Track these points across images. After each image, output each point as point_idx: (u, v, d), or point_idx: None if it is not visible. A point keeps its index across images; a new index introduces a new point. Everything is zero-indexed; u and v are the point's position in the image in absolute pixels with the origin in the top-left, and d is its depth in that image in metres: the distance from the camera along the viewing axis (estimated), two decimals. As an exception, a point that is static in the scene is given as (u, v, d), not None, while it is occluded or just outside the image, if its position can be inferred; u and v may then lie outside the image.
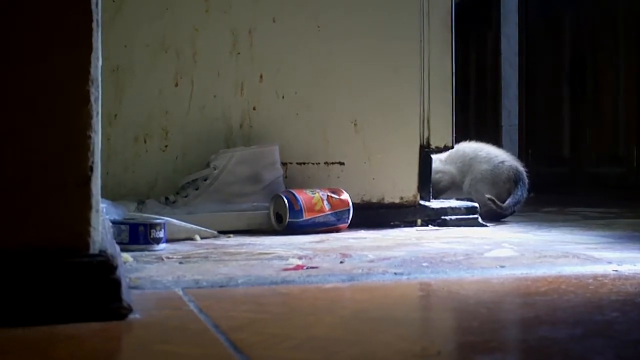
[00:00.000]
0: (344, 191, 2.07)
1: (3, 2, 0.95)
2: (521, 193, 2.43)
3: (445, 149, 2.32)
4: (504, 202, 2.40)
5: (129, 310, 0.94)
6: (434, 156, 2.36)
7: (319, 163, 2.21)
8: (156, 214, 1.84)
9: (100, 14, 0.99)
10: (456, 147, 2.54)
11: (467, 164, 2.53)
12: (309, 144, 2.20)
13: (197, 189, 2.01)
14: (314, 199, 2.00)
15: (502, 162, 2.50)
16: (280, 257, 1.49)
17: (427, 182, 2.30)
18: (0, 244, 0.94)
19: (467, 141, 2.62)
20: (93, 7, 0.97)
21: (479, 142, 2.61)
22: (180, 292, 1.13)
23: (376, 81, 2.25)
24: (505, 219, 2.45)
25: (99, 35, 0.99)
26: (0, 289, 0.91)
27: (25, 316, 0.91)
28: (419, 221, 2.23)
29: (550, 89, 4.35)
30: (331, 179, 2.21)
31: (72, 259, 0.94)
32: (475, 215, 2.27)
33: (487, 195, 2.40)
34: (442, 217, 2.24)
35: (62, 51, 0.96)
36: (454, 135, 2.32)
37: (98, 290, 0.94)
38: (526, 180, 2.47)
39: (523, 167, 2.52)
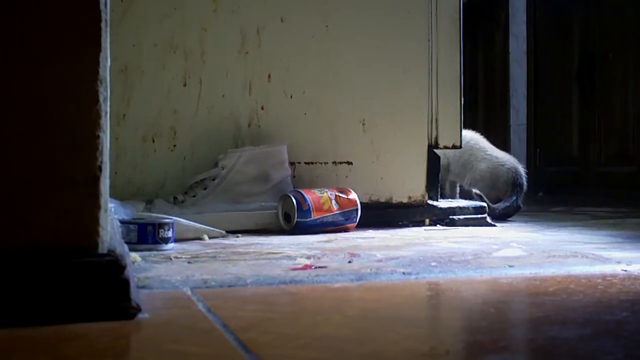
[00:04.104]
0: (352, 191, 2.07)
1: (11, 3, 0.95)
2: (515, 198, 2.43)
3: (454, 148, 2.31)
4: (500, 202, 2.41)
5: (138, 309, 0.95)
6: None
7: (327, 162, 2.21)
8: (165, 213, 1.85)
9: (108, 14, 0.99)
10: (463, 133, 2.54)
11: (465, 158, 2.52)
12: (317, 143, 2.20)
13: (205, 189, 2.01)
14: (322, 198, 2.00)
15: (502, 164, 2.49)
16: (289, 257, 1.49)
17: (435, 182, 2.29)
18: (9, 244, 0.94)
19: (473, 133, 2.61)
20: (102, 7, 0.97)
21: (482, 137, 2.60)
22: (189, 292, 1.13)
23: (384, 81, 2.25)
24: (512, 219, 2.45)
25: (108, 35, 0.99)
26: (9, 288, 0.91)
27: (35, 315, 0.91)
28: (427, 221, 2.23)
29: (559, 88, 4.34)
30: (339, 178, 2.21)
31: (80, 258, 0.94)
32: (484, 215, 2.26)
33: (475, 190, 2.40)
34: (450, 217, 2.23)
35: (70, 51, 0.96)
36: (462, 134, 2.33)
37: (107, 290, 0.94)
38: (524, 184, 2.47)
39: (523, 168, 2.51)
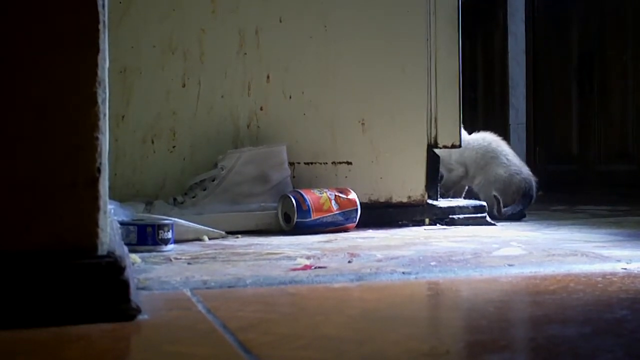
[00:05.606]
0: (351, 191, 2.07)
1: (9, 5, 0.95)
2: (522, 207, 2.44)
3: (453, 147, 2.31)
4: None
5: (138, 311, 0.95)
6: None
7: (327, 163, 2.21)
8: (164, 214, 1.85)
9: (106, 16, 0.99)
10: (483, 136, 2.55)
11: (485, 160, 2.53)
12: (317, 143, 2.20)
13: (205, 190, 2.01)
14: (321, 198, 2.00)
15: (518, 172, 2.50)
16: (289, 257, 1.49)
17: (434, 181, 2.29)
18: (9, 245, 0.94)
19: (494, 135, 2.61)
20: (100, 8, 0.97)
21: (503, 141, 2.61)
22: (189, 293, 1.13)
23: (383, 81, 2.25)
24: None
25: (106, 37, 0.99)
26: (10, 290, 0.91)
27: (35, 317, 0.91)
28: (427, 220, 2.23)
29: (558, 87, 4.34)
30: (339, 178, 2.21)
31: (80, 260, 0.94)
32: (484, 214, 2.26)
33: (495, 194, 2.41)
34: (450, 216, 2.23)
35: (68, 53, 0.96)
36: (461, 134, 2.33)
37: (107, 292, 0.94)
38: (534, 196, 2.49)
39: (535, 180, 2.53)
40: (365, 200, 2.17)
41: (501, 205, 2.40)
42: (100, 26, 0.97)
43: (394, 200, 2.25)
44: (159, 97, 2.09)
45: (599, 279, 1.24)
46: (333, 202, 2.01)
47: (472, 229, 2.11)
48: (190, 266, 1.39)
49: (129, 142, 2.07)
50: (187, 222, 1.81)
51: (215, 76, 2.13)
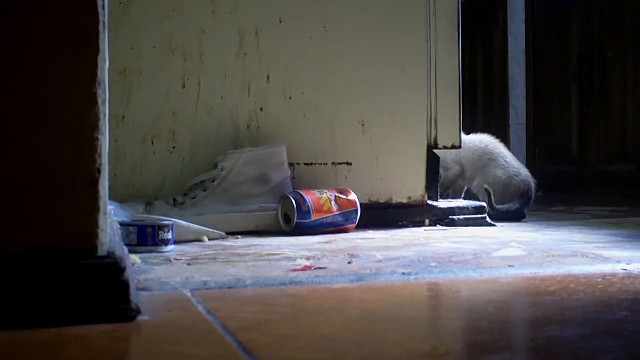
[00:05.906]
0: (351, 191, 2.07)
1: (10, 5, 0.95)
2: (519, 207, 2.44)
3: (453, 148, 2.31)
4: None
5: (138, 311, 0.95)
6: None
7: (327, 163, 2.21)
8: (164, 215, 1.85)
9: (106, 16, 0.99)
10: (480, 137, 2.55)
11: (483, 162, 2.53)
12: (317, 144, 2.20)
13: (205, 190, 2.01)
14: (321, 199, 2.00)
15: (517, 174, 2.50)
16: (288, 258, 1.49)
17: (434, 182, 2.29)
18: (9, 245, 0.94)
19: (491, 137, 2.61)
20: (99, 9, 0.97)
21: (500, 143, 2.61)
22: (189, 294, 1.13)
23: (383, 81, 2.25)
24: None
25: (106, 37, 0.99)
26: (9, 290, 0.91)
27: (34, 318, 0.91)
28: (426, 221, 2.23)
29: (558, 87, 4.34)
30: (339, 179, 2.21)
31: (80, 260, 0.94)
32: (483, 215, 2.26)
33: (485, 186, 2.41)
34: (450, 217, 2.23)
35: (68, 53, 0.96)
36: (461, 134, 2.33)
37: (106, 292, 0.94)
38: (532, 197, 2.50)
39: (534, 182, 2.53)
40: (365, 201, 2.17)
41: (492, 197, 2.39)
42: (100, 26, 0.97)
43: (393, 201, 2.25)
44: (158, 97, 2.09)
45: (599, 279, 1.24)
46: (333, 202, 2.01)
47: (472, 230, 2.11)
48: (190, 267, 1.39)
49: (128, 142, 2.07)
50: (187, 223, 1.81)
51: (215, 76, 2.13)
